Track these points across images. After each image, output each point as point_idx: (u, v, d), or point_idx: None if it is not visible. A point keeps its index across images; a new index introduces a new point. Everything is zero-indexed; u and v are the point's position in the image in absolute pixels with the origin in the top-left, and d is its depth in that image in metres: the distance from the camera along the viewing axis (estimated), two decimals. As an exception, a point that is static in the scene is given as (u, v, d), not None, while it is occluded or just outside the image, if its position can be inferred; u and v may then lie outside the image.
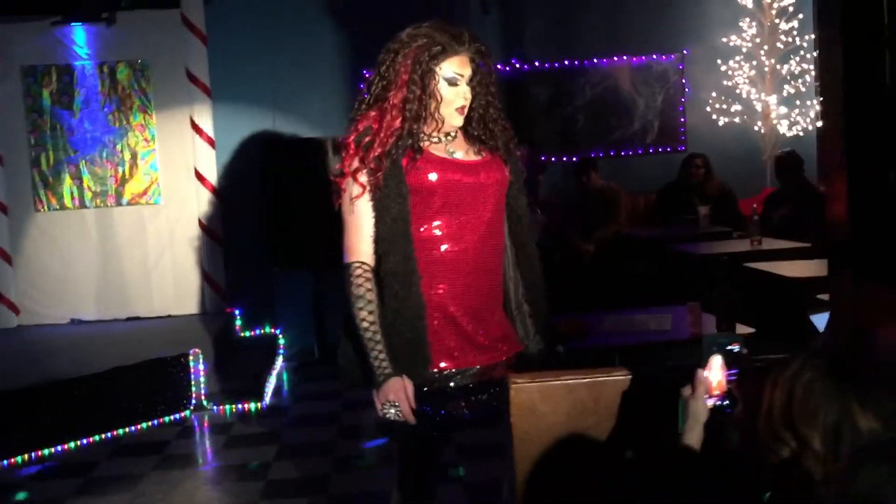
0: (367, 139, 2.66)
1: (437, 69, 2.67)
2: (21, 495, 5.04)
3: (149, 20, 7.81)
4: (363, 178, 2.65)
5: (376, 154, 2.63)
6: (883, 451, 1.54)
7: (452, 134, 2.78)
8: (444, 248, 2.70)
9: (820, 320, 3.06)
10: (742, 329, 3.76)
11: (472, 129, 2.79)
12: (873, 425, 1.59)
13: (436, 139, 2.74)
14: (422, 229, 2.69)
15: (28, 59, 7.80)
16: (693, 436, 1.95)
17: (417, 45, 2.68)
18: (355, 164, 2.66)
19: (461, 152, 2.77)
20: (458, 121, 2.73)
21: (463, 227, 2.71)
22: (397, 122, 2.65)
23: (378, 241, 2.66)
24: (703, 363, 1.99)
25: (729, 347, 1.99)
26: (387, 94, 2.68)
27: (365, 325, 2.63)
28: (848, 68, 2.05)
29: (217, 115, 7.95)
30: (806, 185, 7.32)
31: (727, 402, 1.98)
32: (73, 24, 7.72)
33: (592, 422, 2.18)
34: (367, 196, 2.65)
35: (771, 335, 2.17)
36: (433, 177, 2.68)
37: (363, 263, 2.66)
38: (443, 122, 2.70)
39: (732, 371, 1.99)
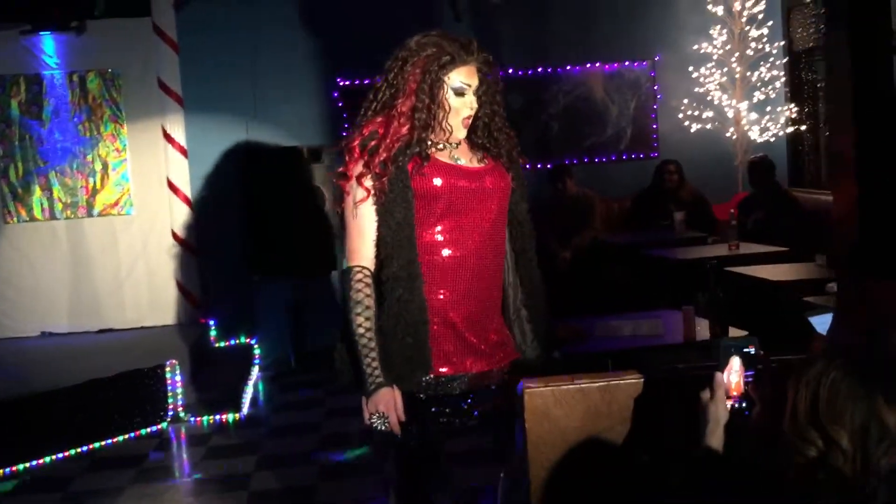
0: (372, 143, 2.64)
1: (446, 79, 2.67)
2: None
3: (119, 29, 7.70)
4: (368, 182, 2.63)
5: (381, 159, 2.61)
6: None
7: (456, 142, 2.76)
8: (445, 253, 2.69)
9: (818, 321, 3.06)
10: (735, 332, 3.77)
11: (477, 137, 2.80)
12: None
13: (441, 146, 2.73)
14: (424, 234, 2.66)
15: (-4, 69, 7.68)
16: (714, 439, 1.95)
17: (426, 55, 2.67)
18: (360, 168, 2.64)
19: (465, 159, 2.77)
20: (463, 133, 2.73)
21: (465, 232, 2.70)
22: (404, 129, 2.65)
23: (381, 245, 2.63)
24: (720, 366, 1.99)
25: (746, 350, 1.99)
26: (394, 102, 2.68)
27: (361, 330, 2.59)
28: (856, 72, 2.04)
29: (190, 124, 7.86)
30: (778, 190, 7.39)
31: (745, 403, 1.98)
32: (42, 33, 7.59)
33: (606, 425, 2.16)
34: (370, 200, 2.63)
35: (764, 337, 2.15)
36: (438, 182, 2.66)
37: (364, 268, 2.63)
38: (450, 132, 2.71)
39: (749, 373, 1.99)
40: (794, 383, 1.71)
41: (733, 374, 1.98)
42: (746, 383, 1.99)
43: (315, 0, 8.12)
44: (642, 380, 2.17)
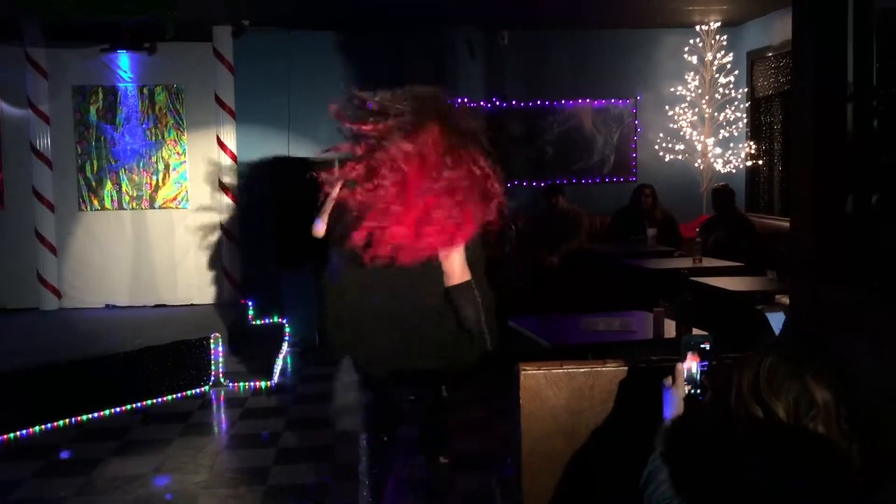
0: None
1: None
2: (65, 454, 4.94)
3: (185, 51, 7.74)
4: None
5: None
6: None
7: None
8: None
9: (773, 318, 3.08)
10: (697, 331, 3.78)
11: None
12: (826, 396, 1.65)
13: None
14: None
15: (79, 80, 7.71)
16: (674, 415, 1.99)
17: None
18: None
19: None
20: None
21: None
22: None
23: None
24: (681, 358, 2.03)
25: (702, 345, 2.03)
26: None
27: None
28: (818, 119, 2.07)
29: (239, 134, 7.90)
30: (737, 214, 7.39)
31: (699, 390, 2.02)
32: (119, 51, 7.63)
33: (588, 405, 2.17)
34: None
35: (720, 336, 2.18)
36: None
37: None
38: None
39: (704, 364, 2.03)
40: (738, 367, 1.77)
41: (690, 365, 2.02)
42: (702, 373, 2.02)
43: (345, 34, 8.12)
44: (622, 367, 2.19)
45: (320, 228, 3.10)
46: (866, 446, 1.62)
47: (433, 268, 2.82)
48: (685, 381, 2.01)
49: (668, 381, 2.03)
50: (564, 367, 2.16)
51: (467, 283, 2.84)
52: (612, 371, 2.18)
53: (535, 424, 2.14)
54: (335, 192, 2.96)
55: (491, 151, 2.84)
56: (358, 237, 2.72)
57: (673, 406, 2.00)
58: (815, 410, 1.64)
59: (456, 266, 2.82)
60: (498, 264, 7.14)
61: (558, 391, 2.14)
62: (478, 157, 2.77)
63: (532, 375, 2.14)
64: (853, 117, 2.01)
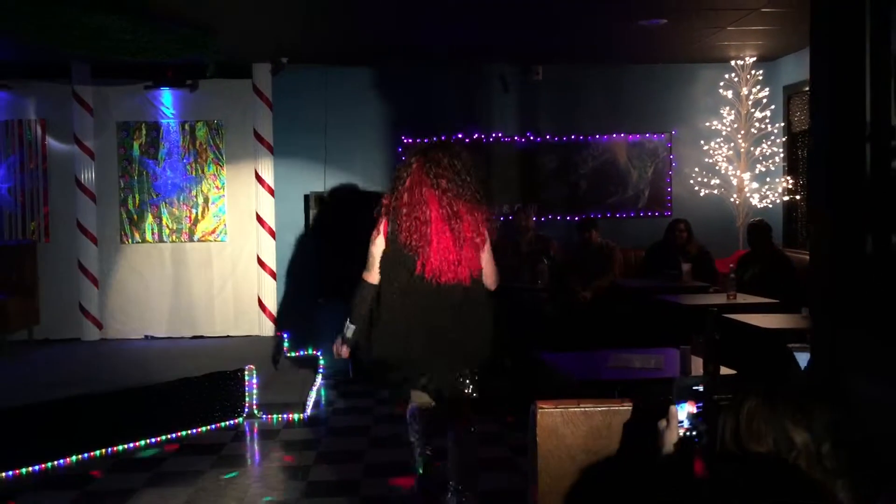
0: None
1: None
2: (95, 484, 5.01)
3: (225, 88, 7.93)
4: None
5: None
6: None
7: None
8: None
9: (802, 358, 3.03)
10: (725, 370, 3.74)
11: None
12: (805, 438, 1.65)
13: None
14: None
15: (123, 116, 7.93)
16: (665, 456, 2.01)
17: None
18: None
19: None
20: None
21: None
22: None
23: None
24: (674, 400, 2.05)
25: (695, 388, 2.04)
26: None
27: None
28: (834, 158, 2.07)
29: (277, 168, 8.04)
30: (774, 249, 7.30)
31: (695, 433, 2.02)
32: (162, 88, 7.84)
33: (605, 444, 2.16)
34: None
35: (750, 376, 2.16)
36: None
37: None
38: None
39: (699, 404, 2.04)
40: (723, 413, 1.79)
41: (683, 407, 2.04)
42: (698, 414, 2.03)
43: (380, 70, 8.24)
44: (635, 406, 2.18)
45: (373, 276, 3.92)
46: (856, 479, 1.62)
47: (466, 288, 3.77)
48: (679, 423, 2.02)
49: (663, 423, 2.06)
50: (581, 405, 2.16)
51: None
52: (629, 410, 2.17)
53: (553, 463, 2.14)
54: (377, 246, 3.87)
55: (485, 180, 4.01)
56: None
57: (667, 447, 2.03)
58: (796, 452, 1.65)
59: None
60: (532, 297, 7.17)
61: (575, 430, 2.14)
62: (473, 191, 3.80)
63: (549, 413, 2.14)
64: (871, 157, 2.00)
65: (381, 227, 3.81)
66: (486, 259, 3.80)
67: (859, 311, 2.04)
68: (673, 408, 2.03)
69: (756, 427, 1.69)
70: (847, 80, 2.03)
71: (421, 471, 4.17)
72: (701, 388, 2.02)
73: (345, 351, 3.94)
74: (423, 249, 3.69)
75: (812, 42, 2.16)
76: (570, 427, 2.14)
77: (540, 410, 2.14)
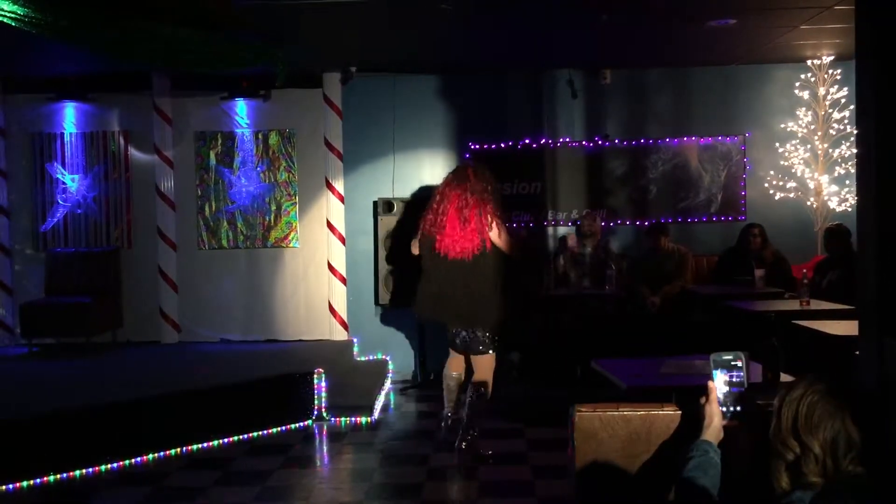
0: None
1: None
2: (171, 482, 5.23)
3: (296, 97, 8.15)
4: None
5: None
6: None
7: None
8: None
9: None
10: (786, 377, 3.68)
11: None
12: (860, 436, 1.75)
13: None
14: None
15: (200, 126, 8.24)
16: (710, 433, 2.07)
17: None
18: None
19: None
20: None
21: None
22: None
23: None
24: (713, 375, 2.18)
25: (733, 362, 2.20)
26: None
27: None
28: (882, 164, 2.06)
29: (347, 176, 8.22)
30: (852, 254, 7.08)
31: (731, 410, 2.12)
32: (237, 98, 8.12)
33: (644, 449, 2.18)
34: None
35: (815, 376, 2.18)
36: None
37: None
38: None
39: (738, 382, 2.17)
40: (779, 401, 1.87)
41: (720, 381, 2.16)
42: (736, 395, 2.13)
43: (448, 77, 8.32)
44: (677, 412, 2.20)
45: (415, 249, 5.62)
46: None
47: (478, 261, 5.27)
48: (718, 400, 2.12)
49: (703, 399, 2.14)
50: (620, 409, 2.19)
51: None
52: (669, 415, 2.19)
53: (590, 467, 2.17)
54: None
55: (497, 188, 5.47)
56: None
57: (707, 422, 2.10)
58: (855, 451, 1.69)
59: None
60: (599, 302, 7.15)
61: (614, 433, 2.17)
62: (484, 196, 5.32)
63: (587, 417, 2.17)
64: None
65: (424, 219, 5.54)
66: (495, 236, 5.29)
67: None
68: (711, 383, 2.13)
69: (817, 419, 1.76)
70: (891, 85, 2.01)
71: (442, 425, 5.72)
72: (738, 363, 2.16)
73: None
74: (441, 233, 5.32)
75: (857, 49, 2.15)
76: (609, 430, 2.17)
77: (578, 413, 2.18)
